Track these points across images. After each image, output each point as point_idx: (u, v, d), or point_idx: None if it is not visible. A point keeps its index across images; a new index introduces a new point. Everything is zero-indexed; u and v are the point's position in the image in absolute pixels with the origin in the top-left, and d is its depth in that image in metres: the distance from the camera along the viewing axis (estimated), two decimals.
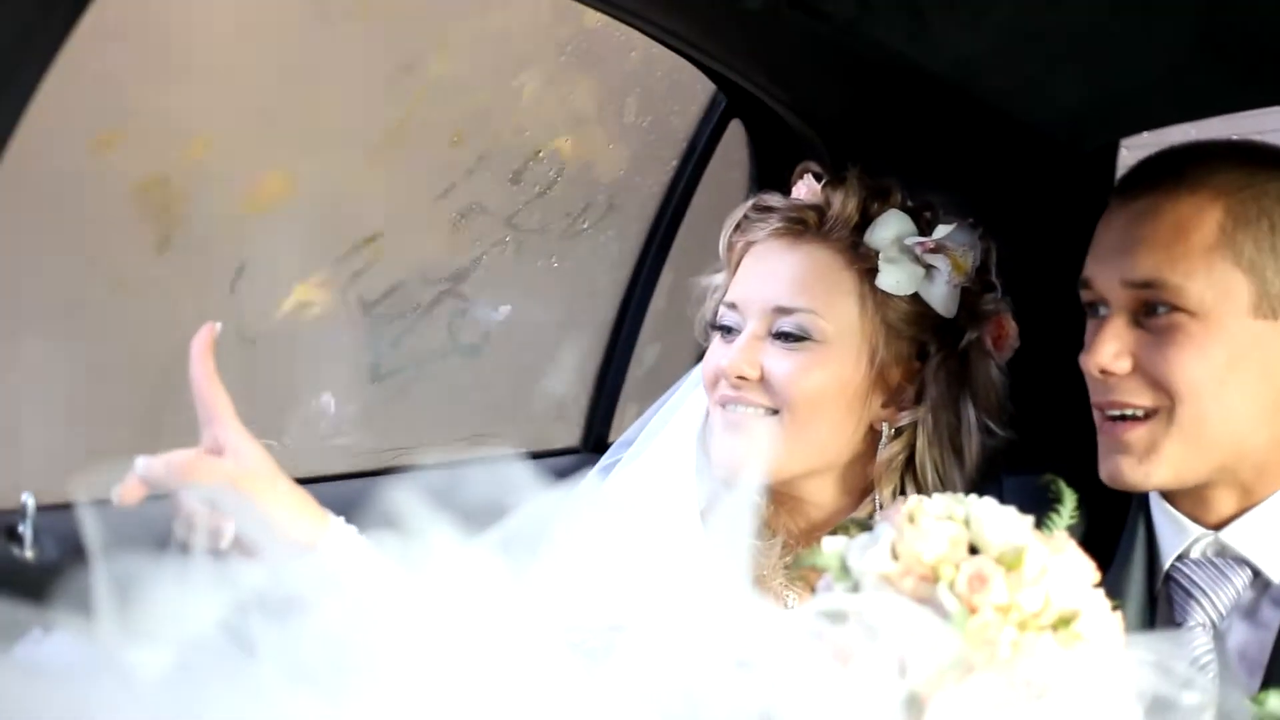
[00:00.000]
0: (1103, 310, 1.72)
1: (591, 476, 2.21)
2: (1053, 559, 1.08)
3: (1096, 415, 1.72)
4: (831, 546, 1.13)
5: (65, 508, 1.87)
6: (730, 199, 2.33)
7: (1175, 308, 1.64)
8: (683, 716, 0.96)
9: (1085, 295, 1.75)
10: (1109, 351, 1.68)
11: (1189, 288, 1.64)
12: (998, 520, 1.11)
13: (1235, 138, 1.81)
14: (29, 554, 1.89)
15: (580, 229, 3.00)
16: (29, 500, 1.89)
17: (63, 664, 1.03)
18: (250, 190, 2.41)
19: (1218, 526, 1.68)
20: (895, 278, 1.98)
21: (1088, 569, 1.10)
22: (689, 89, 2.74)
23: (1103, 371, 1.69)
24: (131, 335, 2.29)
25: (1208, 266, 1.64)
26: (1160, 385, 1.65)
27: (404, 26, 2.66)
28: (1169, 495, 1.72)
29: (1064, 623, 1.05)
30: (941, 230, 2.01)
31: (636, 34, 2.28)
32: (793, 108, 2.41)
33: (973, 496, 1.15)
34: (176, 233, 2.27)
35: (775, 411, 1.96)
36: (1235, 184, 1.67)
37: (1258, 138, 1.83)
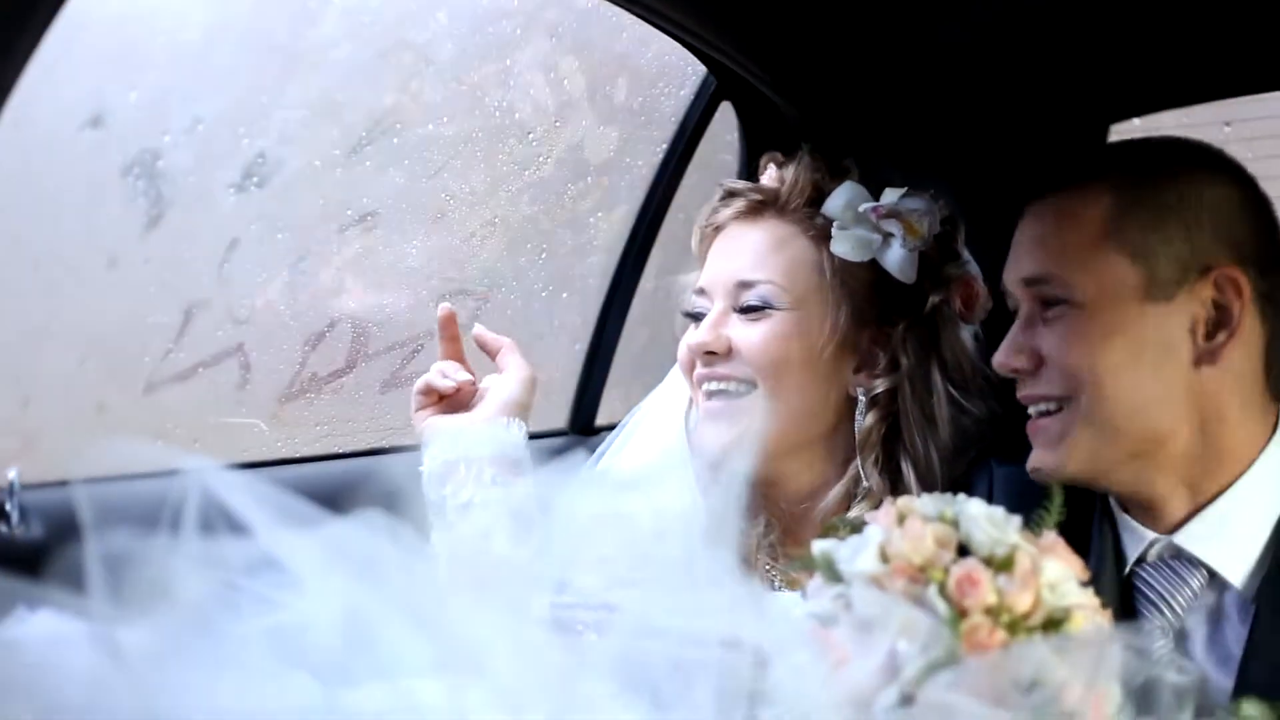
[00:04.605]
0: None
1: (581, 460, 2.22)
2: (1042, 560, 1.09)
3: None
4: (820, 549, 1.13)
5: (51, 485, 1.88)
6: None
7: (1066, 301, 1.68)
8: (672, 694, 0.96)
9: (1009, 301, 1.79)
10: (1009, 349, 1.73)
11: (1075, 280, 1.67)
12: (986, 520, 1.11)
13: (1160, 134, 1.84)
14: (14, 531, 1.89)
15: (569, 210, 2.99)
16: (14, 477, 1.89)
17: (48, 641, 1.03)
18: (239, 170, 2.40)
19: (1172, 530, 1.69)
20: (848, 244, 2.01)
21: (1076, 568, 1.11)
22: (679, 71, 2.74)
23: (1012, 370, 1.73)
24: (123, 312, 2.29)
25: (1094, 257, 1.67)
26: (1063, 377, 1.68)
27: (394, 7, 2.65)
28: (1121, 503, 1.73)
29: (1053, 624, 1.05)
30: (892, 195, 2.03)
31: (627, 15, 2.28)
32: (781, 90, 2.41)
33: (961, 496, 1.15)
34: (166, 211, 2.27)
35: (753, 385, 1.98)
36: (1124, 177, 1.70)
37: (1247, 125, 1.83)
